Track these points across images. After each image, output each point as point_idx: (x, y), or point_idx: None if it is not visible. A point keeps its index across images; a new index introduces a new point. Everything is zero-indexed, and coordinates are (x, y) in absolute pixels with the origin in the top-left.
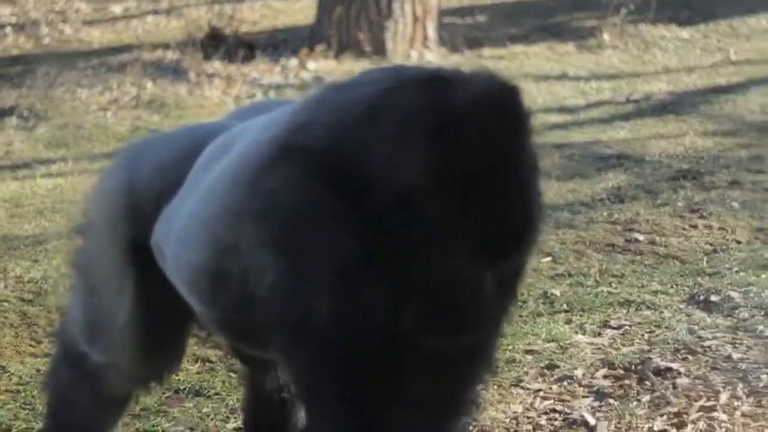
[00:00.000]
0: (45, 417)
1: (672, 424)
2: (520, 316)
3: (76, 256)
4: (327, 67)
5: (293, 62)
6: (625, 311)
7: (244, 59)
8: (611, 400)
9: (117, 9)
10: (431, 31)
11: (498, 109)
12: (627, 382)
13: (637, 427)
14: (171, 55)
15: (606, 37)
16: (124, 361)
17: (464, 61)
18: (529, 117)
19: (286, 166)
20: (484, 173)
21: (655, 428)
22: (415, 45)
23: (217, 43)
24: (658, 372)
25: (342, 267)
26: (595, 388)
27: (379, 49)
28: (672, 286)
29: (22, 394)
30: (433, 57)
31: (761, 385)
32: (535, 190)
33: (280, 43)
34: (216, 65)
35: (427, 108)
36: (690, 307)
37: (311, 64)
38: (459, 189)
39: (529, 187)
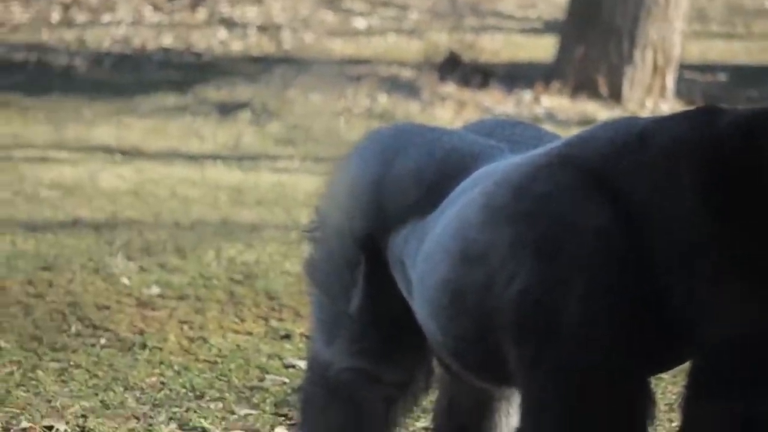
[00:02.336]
0: None
1: None
2: None
3: (310, 258)
4: (561, 105)
5: (528, 95)
6: None
7: (479, 86)
8: None
9: (361, 24)
10: (670, 82)
11: (759, 128)
12: None
13: None
14: (407, 74)
15: None
16: (362, 359)
17: None
18: None
19: (561, 172)
20: (758, 200)
21: None
22: (651, 94)
23: (454, 68)
24: None
25: (600, 284)
26: None
27: (615, 94)
28: None
29: (220, 366)
30: (669, 108)
31: None
32: None
33: (517, 75)
34: (450, 88)
35: (695, 133)
36: None
37: (545, 100)
38: (741, 233)
39: None
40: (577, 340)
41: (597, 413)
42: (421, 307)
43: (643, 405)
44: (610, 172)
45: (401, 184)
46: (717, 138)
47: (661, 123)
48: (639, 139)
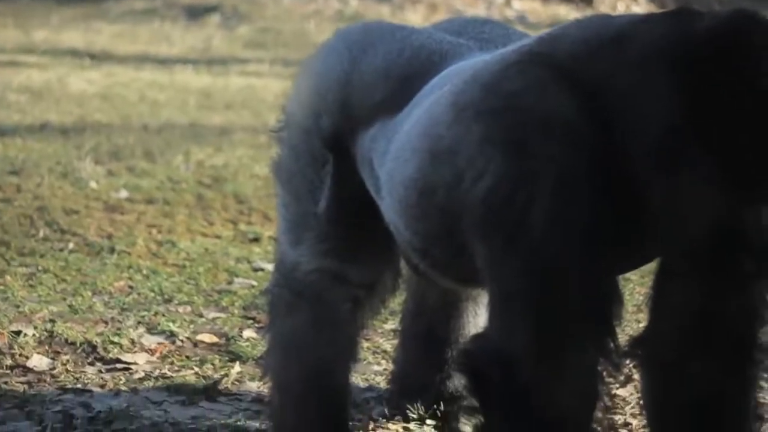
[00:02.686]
0: (265, 357)
1: None
2: None
3: (277, 158)
4: (532, 8)
5: None
6: None
7: None
8: None
9: None
10: None
11: (748, 30)
12: None
13: None
14: None
15: None
16: (329, 260)
17: None
18: None
19: (533, 69)
20: (734, 98)
21: None
22: None
23: None
24: None
25: (570, 177)
26: None
27: None
28: None
29: (188, 270)
30: (641, 11)
31: None
32: None
33: None
34: None
35: (671, 35)
36: None
37: (517, 3)
38: (718, 128)
39: None
40: (546, 234)
41: (565, 307)
42: (390, 206)
43: (610, 302)
44: (582, 71)
45: (369, 82)
46: (696, 39)
47: (638, 24)
48: (615, 40)
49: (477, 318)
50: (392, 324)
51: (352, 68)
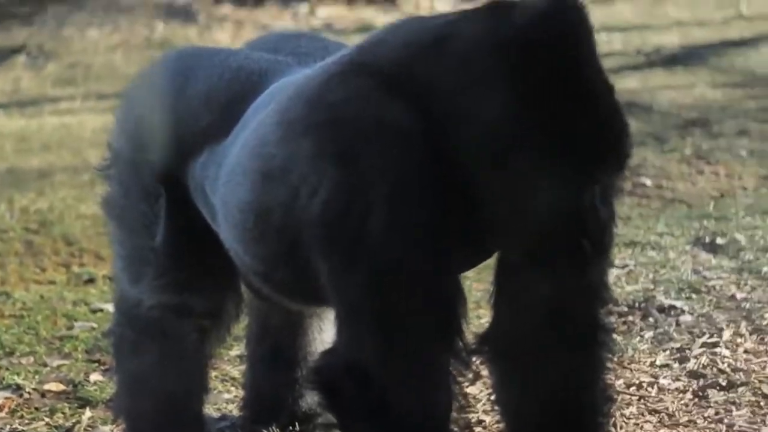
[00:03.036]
0: (115, 399)
1: (674, 359)
2: None
3: (106, 195)
4: (338, 14)
5: (304, 8)
6: (630, 251)
7: (254, 4)
8: (614, 336)
9: None
10: None
11: (564, 19)
12: (630, 318)
13: (639, 361)
14: None
15: None
16: (171, 294)
17: None
18: (591, 25)
19: (355, 79)
20: (560, 88)
21: (658, 362)
22: None
23: None
24: (662, 309)
25: (403, 183)
26: None
27: None
28: (678, 229)
29: (26, 320)
30: (445, 6)
31: (765, 323)
32: (615, 98)
33: None
34: (226, 9)
35: (488, 33)
36: (695, 248)
37: (322, 11)
38: (536, 116)
39: (612, 91)
40: (385, 242)
41: (411, 312)
42: (227, 232)
43: (455, 302)
44: (406, 76)
45: (193, 109)
46: (514, 30)
47: (455, 23)
48: (435, 42)
49: (322, 334)
50: (237, 350)
51: (174, 97)
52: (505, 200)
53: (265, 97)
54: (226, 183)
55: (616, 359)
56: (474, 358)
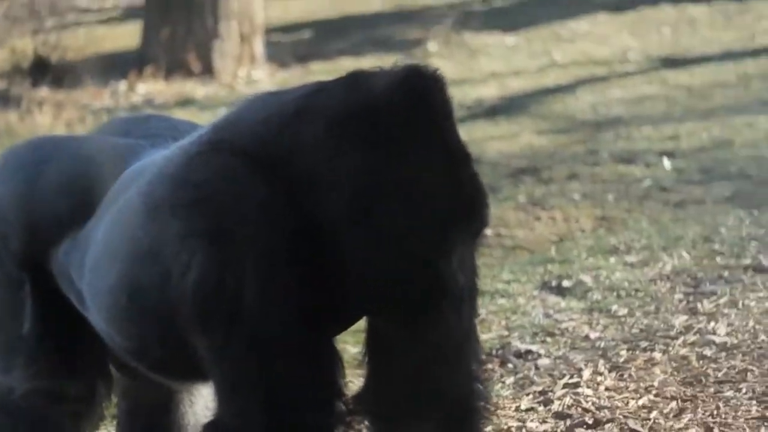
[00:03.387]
0: None
1: (538, 402)
2: None
3: None
4: (156, 89)
5: (122, 86)
6: (480, 301)
7: (72, 85)
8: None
9: None
10: (258, 49)
11: (420, 86)
12: (489, 366)
13: (504, 407)
14: None
15: (432, 47)
16: (43, 380)
17: (293, 77)
18: (448, 93)
19: (218, 157)
20: (418, 152)
21: (522, 407)
22: (243, 63)
23: (45, 70)
24: (520, 355)
25: (271, 255)
26: None
27: (208, 69)
28: (523, 275)
29: None
30: (262, 74)
31: (621, 360)
32: (472, 165)
33: (108, 67)
34: (44, 92)
35: (346, 102)
36: (543, 292)
37: (141, 87)
38: (398, 183)
39: (469, 156)
40: (260, 315)
41: (292, 379)
42: (98, 315)
43: (334, 365)
44: (267, 151)
45: (50, 199)
46: (374, 99)
47: (313, 96)
48: (295, 116)
49: (194, 407)
50: (105, 429)
51: (29, 188)
52: (365, 265)
53: (124, 180)
54: (93, 269)
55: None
56: (354, 419)
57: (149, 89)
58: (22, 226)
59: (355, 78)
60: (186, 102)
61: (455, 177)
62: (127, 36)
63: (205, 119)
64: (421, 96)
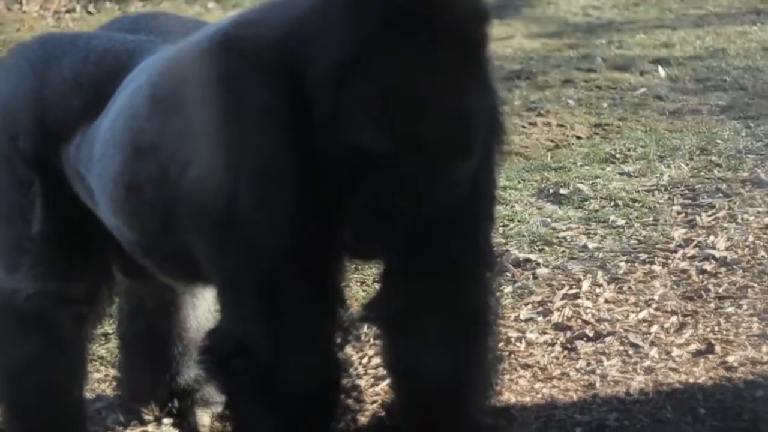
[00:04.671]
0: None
1: (538, 312)
2: None
3: None
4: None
5: None
6: None
7: None
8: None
9: None
10: None
11: None
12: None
13: (504, 316)
14: None
15: None
16: (49, 282)
17: None
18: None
19: (227, 57)
20: (415, 46)
21: (522, 317)
22: None
23: None
24: (518, 263)
25: (272, 161)
26: None
27: None
28: (520, 182)
29: None
30: None
31: (620, 272)
32: (481, 87)
33: None
34: None
35: None
36: (540, 200)
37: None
38: (391, 67)
39: (474, 64)
40: (257, 218)
41: (291, 283)
42: (105, 206)
43: (333, 272)
44: (279, 52)
45: (61, 95)
46: None
47: None
48: (310, 11)
49: (196, 310)
50: (102, 329)
51: (40, 85)
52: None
53: (134, 75)
54: (101, 158)
55: None
56: (358, 325)
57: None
58: (33, 124)
59: None
60: None
61: (449, 84)
62: None
63: (193, 12)
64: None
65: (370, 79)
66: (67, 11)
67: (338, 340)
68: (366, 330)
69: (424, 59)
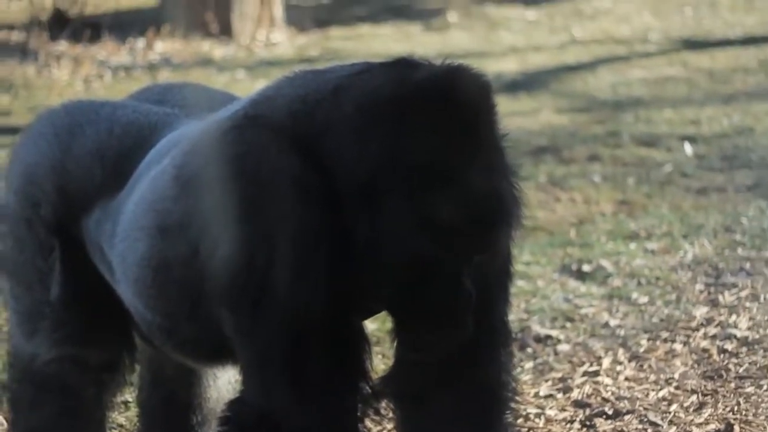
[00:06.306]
0: None
1: (558, 389)
2: None
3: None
4: (174, 48)
5: (140, 43)
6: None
7: (90, 40)
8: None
9: None
10: (278, 12)
11: (458, 84)
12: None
13: (523, 392)
14: (16, 36)
15: (452, 17)
16: (68, 347)
17: (311, 42)
18: (493, 100)
19: (253, 132)
20: (444, 153)
21: (542, 393)
22: (262, 25)
23: (63, 24)
24: (539, 339)
25: (304, 232)
26: None
27: (226, 30)
28: (543, 257)
29: None
30: (280, 38)
31: (641, 350)
32: (505, 172)
33: (126, 24)
34: (62, 46)
35: (387, 85)
36: (563, 276)
37: (158, 45)
38: (419, 173)
39: (498, 168)
40: (290, 291)
41: (318, 358)
42: (127, 288)
43: (360, 345)
44: (302, 129)
45: (83, 166)
46: (409, 88)
47: (355, 76)
48: (332, 93)
49: (217, 380)
50: (122, 396)
51: (63, 154)
52: (369, 249)
53: (157, 150)
54: (124, 239)
55: None
56: (380, 401)
57: (167, 48)
58: (55, 192)
59: (400, 64)
60: (204, 62)
61: (477, 186)
62: None
63: (222, 80)
64: (454, 95)
65: (401, 180)
66: (98, 77)
67: (360, 414)
68: (386, 403)
69: (444, 144)
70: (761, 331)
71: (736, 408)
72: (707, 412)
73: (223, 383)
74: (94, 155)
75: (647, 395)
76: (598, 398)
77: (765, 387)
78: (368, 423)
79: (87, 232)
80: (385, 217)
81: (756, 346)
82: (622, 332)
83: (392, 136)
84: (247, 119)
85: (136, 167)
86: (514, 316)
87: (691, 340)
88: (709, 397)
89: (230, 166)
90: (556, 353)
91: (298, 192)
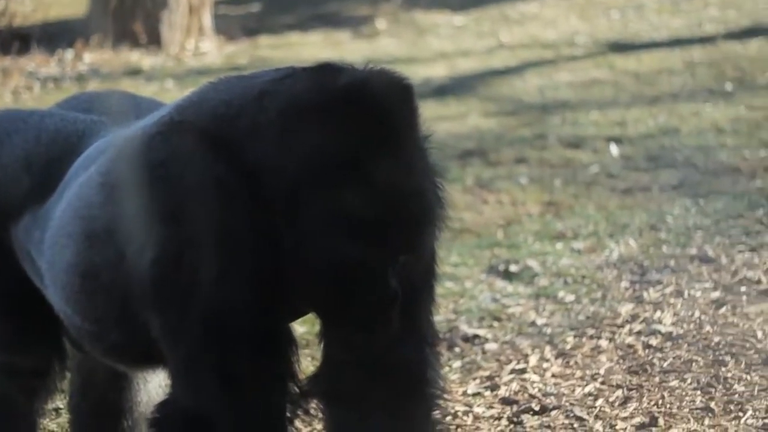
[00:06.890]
0: None
1: (485, 387)
2: None
3: None
4: (103, 59)
5: (69, 54)
6: None
7: (19, 52)
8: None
9: None
10: (207, 21)
11: (378, 87)
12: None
13: (451, 391)
14: None
15: (380, 24)
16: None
17: (240, 50)
18: (414, 102)
19: (177, 137)
20: (365, 155)
21: (470, 391)
22: (191, 34)
23: None
24: (467, 339)
25: (228, 234)
26: None
27: (155, 39)
28: (471, 258)
29: None
30: (209, 46)
31: (567, 347)
32: (428, 172)
33: (55, 35)
34: None
35: (310, 90)
36: (490, 276)
37: (87, 56)
38: (341, 175)
39: (420, 168)
40: (215, 293)
41: (248, 361)
42: (56, 294)
43: (288, 346)
44: (226, 133)
45: (11, 174)
46: (336, 92)
47: (279, 81)
48: (257, 98)
49: (147, 384)
50: (53, 403)
51: None
52: (294, 254)
53: (85, 158)
54: (52, 246)
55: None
56: (309, 401)
57: (96, 58)
58: None
59: (324, 69)
60: (133, 72)
61: (400, 186)
62: (75, 3)
63: (151, 90)
64: (375, 98)
65: (325, 184)
66: (26, 89)
67: (289, 414)
68: (315, 404)
69: (365, 146)
70: (685, 326)
71: (660, 401)
72: (632, 406)
73: (154, 387)
74: (21, 163)
75: (573, 391)
76: (525, 395)
77: (689, 381)
78: (297, 423)
79: (16, 239)
80: (309, 219)
81: (680, 341)
82: (548, 330)
83: (314, 139)
84: (172, 124)
85: (64, 175)
86: (442, 317)
87: (616, 336)
88: (634, 391)
89: (156, 171)
90: (483, 352)
91: (222, 195)
